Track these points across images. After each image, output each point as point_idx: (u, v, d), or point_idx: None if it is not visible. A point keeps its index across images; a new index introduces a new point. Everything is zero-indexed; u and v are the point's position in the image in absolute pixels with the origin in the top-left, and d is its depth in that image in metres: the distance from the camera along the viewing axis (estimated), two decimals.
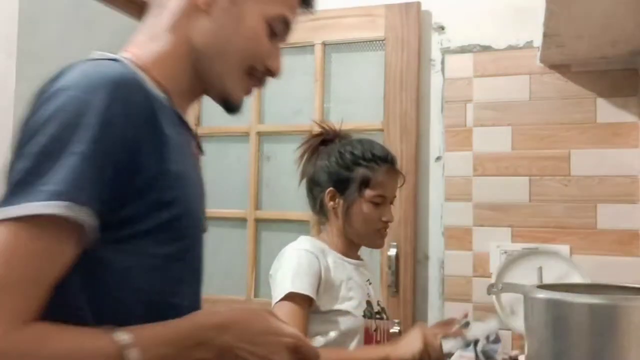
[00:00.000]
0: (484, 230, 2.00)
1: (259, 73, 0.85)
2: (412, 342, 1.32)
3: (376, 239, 1.47)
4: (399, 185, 1.50)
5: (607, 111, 1.92)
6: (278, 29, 0.84)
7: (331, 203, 1.45)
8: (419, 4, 2.09)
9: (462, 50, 2.07)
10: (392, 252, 2.01)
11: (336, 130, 1.53)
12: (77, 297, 0.68)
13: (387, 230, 1.48)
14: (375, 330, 1.41)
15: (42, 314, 0.64)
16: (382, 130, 2.09)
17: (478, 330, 1.45)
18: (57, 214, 0.62)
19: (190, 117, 2.32)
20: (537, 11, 1.57)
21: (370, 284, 1.50)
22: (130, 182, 0.68)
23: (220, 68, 0.82)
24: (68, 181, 0.63)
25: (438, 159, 2.09)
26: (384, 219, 1.44)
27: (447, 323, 1.46)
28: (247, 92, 0.86)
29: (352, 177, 1.43)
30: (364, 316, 1.38)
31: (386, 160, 1.45)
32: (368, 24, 2.14)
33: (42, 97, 0.68)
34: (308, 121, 2.11)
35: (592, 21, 1.54)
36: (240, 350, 0.71)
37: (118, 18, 2.28)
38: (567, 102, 1.96)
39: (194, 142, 0.86)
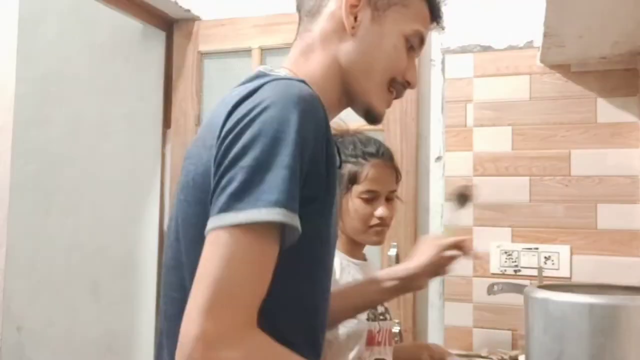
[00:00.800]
0: (484, 230, 2.00)
1: (398, 85, 0.94)
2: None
3: (371, 236, 1.44)
4: (395, 181, 1.46)
5: (607, 111, 1.91)
6: (415, 43, 0.94)
7: None
8: None
9: (463, 50, 2.07)
10: (392, 252, 2.00)
11: (343, 130, 1.50)
12: None
13: (385, 227, 1.44)
14: (379, 331, 1.40)
15: None
16: (382, 130, 2.09)
17: None
18: (279, 220, 0.70)
19: (190, 117, 2.32)
20: (538, 11, 1.57)
21: None
22: (306, 189, 0.76)
23: (366, 84, 0.91)
24: (283, 191, 0.71)
25: (438, 159, 2.09)
26: (376, 214, 1.41)
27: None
28: (389, 104, 0.95)
29: (341, 175, 1.40)
30: (368, 319, 1.37)
31: (376, 155, 1.42)
32: None
33: (245, 117, 0.76)
34: None
35: (592, 21, 1.54)
36: None
37: (118, 18, 2.28)
38: (567, 102, 1.95)
39: None
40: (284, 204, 0.70)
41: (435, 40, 2.10)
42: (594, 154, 1.92)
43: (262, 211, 0.69)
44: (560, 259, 1.91)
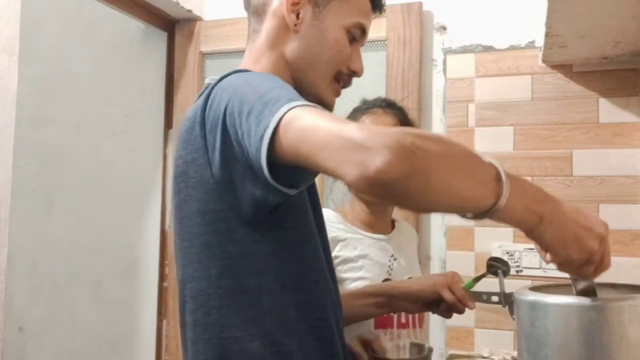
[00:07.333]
0: (486, 231, 1.99)
1: (344, 76, 0.99)
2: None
3: None
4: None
5: (609, 111, 1.91)
6: (356, 35, 0.99)
7: None
8: (420, 4, 2.08)
9: (464, 50, 2.07)
10: None
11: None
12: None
13: None
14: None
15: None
16: None
17: None
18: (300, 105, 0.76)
19: None
20: (539, 11, 1.57)
21: (395, 259, 1.38)
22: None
23: (312, 77, 0.97)
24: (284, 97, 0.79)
25: None
26: None
27: None
28: (337, 94, 1.01)
29: None
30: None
31: (373, 104, 1.36)
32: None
33: (211, 100, 0.86)
34: None
35: (594, 21, 1.54)
36: (572, 216, 0.78)
37: (118, 18, 2.28)
38: (569, 102, 1.95)
39: None
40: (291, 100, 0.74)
41: (437, 40, 2.10)
42: (596, 154, 1.92)
43: (280, 112, 0.73)
44: None
